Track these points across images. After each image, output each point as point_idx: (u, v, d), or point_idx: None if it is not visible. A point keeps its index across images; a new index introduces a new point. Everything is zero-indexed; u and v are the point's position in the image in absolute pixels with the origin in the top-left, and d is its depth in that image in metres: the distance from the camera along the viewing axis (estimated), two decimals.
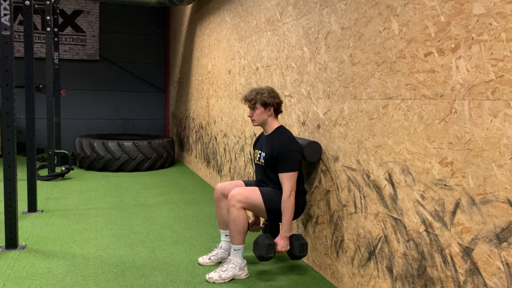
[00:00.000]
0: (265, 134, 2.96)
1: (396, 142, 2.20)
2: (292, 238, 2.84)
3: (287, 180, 2.74)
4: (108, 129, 9.77)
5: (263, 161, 2.91)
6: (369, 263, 2.45)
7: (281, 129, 2.90)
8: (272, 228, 3.02)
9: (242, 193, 2.78)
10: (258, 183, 3.01)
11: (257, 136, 3.24)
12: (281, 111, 2.96)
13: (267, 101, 2.84)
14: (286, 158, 2.75)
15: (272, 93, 2.88)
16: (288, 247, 2.81)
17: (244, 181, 3.09)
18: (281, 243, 2.78)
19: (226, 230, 3.06)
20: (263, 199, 2.79)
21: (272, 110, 2.88)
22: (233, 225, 2.78)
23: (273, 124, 2.91)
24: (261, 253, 2.73)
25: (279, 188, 2.82)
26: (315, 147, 2.91)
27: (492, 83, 1.68)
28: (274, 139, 2.84)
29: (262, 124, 2.93)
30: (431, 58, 1.97)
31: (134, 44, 9.97)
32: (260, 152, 2.97)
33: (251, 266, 3.05)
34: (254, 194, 2.80)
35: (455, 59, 1.84)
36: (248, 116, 2.94)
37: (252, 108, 2.89)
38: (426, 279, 2.03)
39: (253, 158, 3.19)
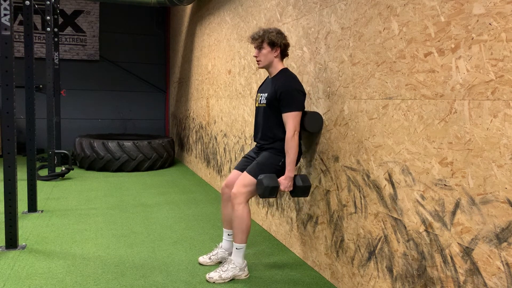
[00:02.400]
0: (270, 77, 2.91)
1: (396, 142, 2.20)
2: (296, 179, 2.81)
3: (291, 120, 2.70)
4: (108, 129, 9.77)
5: (264, 102, 2.85)
6: (369, 263, 2.45)
7: (286, 71, 2.85)
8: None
9: (241, 185, 2.78)
10: (257, 127, 2.96)
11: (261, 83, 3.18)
12: (287, 55, 2.90)
13: (274, 40, 2.78)
14: (289, 97, 2.70)
15: (279, 33, 2.82)
16: (291, 188, 2.79)
17: (236, 168, 3.07)
18: (285, 183, 2.75)
19: (229, 229, 3.06)
20: (255, 177, 2.78)
21: (278, 51, 2.82)
22: (238, 223, 2.77)
23: (278, 66, 2.86)
24: (265, 193, 2.70)
25: (277, 134, 2.79)
26: (317, 117, 2.87)
27: (492, 83, 1.68)
28: (278, 80, 2.79)
29: (268, 66, 2.86)
30: (431, 58, 1.97)
31: (134, 44, 9.97)
32: (262, 94, 2.91)
33: (251, 266, 3.05)
34: (247, 178, 2.81)
35: (455, 59, 1.84)
36: (254, 56, 2.88)
37: (259, 47, 2.82)
38: (426, 279, 2.03)
39: (254, 102, 3.13)
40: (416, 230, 2.09)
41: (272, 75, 2.88)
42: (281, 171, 2.80)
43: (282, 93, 2.71)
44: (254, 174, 2.81)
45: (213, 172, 5.86)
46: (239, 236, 2.80)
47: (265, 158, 2.84)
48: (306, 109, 3.01)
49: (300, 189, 2.81)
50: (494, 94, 1.67)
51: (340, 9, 2.71)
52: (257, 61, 2.86)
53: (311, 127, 2.88)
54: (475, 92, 1.75)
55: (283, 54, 2.88)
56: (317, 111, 3.00)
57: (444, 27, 1.90)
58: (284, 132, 2.78)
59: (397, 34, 2.19)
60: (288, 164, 2.74)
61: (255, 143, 3.04)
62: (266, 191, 2.69)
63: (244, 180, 2.82)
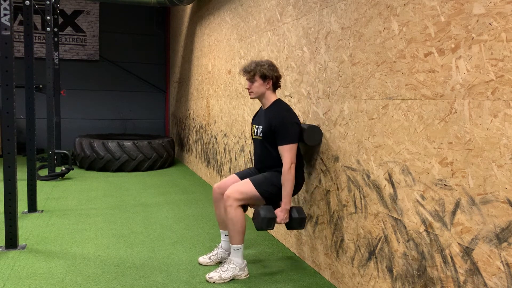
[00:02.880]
0: (263, 108, 2.94)
1: (396, 142, 2.20)
2: (292, 211, 2.83)
3: (287, 152, 2.72)
4: (108, 129, 9.77)
5: (260, 135, 2.88)
6: (369, 263, 2.45)
7: (279, 102, 2.88)
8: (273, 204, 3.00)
9: (237, 190, 2.77)
10: (256, 158, 2.99)
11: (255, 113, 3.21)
12: (279, 86, 2.94)
13: (266, 73, 2.82)
14: (284, 130, 2.72)
15: (271, 66, 2.86)
16: (288, 220, 2.80)
17: (237, 174, 3.08)
18: (281, 215, 2.77)
19: (226, 230, 3.05)
20: (257, 189, 2.78)
21: (270, 83, 2.86)
22: (231, 225, 2.78)
23: (271, 98, 2.89)
24: (262, 225, 2.72)
25: (276, 164, 2.81)
26: (316, 130, 2.89)
27: (492, 83, 1.68)
28: (272, 112, 2.82)
29: (260, 97, 2.90)
30: (431, 58, 1.97)
31: (134, 44, 9.97)
32: (257, 126, 2.94)
33: (251, 266, 3.06)
34: (248, 187, 2.80)
35: (455, 59, 1.84)
36: (246, 88, 2.92)
37: (251, 80, 2.85)
38: (426, 279, 2.03)
39: (250, 133, 3.16)
40: (416, 230, 2.09)
41: (266, 107, 2.91)
42: (280, 194, 2.81)
43: (277, 125, 2.74)
44: (257, 184, 2.80)
45: (213, 172, 5.86)
46: (235, 237, 2.80)
47: (273, 175, 2.85)
48: (305, 123, 3.03)
49: (296, 221, 2.82)
50: (494, 94, 1.67)
51: (340, 9, 2.71)
52: (250, 92, 2.90)
53: (311, 141, 2.90)
54: (475, 92, 1.75)
55: (275, 86, 2.92)
56: (317, 111, 3.00)
57: (444, 27, 1.90)
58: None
59: (397, 34, 2.19)
60: (285, 197, 2.75)
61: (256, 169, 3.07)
62: (264, 222, 2.71)
63: (243, 187, 2.80)
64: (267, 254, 3.37)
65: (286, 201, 2.76)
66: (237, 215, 2.76)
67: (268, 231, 3.89)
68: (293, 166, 2.72)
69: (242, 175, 3.02)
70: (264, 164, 2.93)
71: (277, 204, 2.89)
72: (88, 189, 5.58)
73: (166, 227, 4.00)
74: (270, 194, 2.81)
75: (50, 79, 5.97)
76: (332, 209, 2.83)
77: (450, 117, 1.87)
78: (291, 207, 2.84)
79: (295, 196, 3.34)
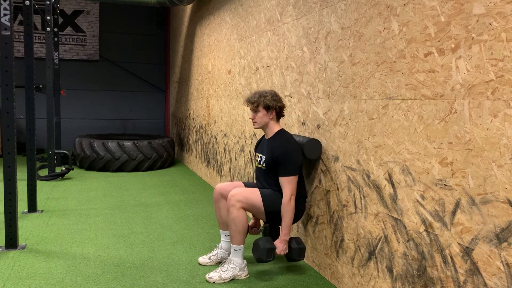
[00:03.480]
0: (266, 137, 2.96)
1: (396, 142, 2.20)
2: (291, 242, 2.85)
3: (287, 184, 2.74)
4: (108, 129, 9.77)
5: (264, 165, 2.91)
6: (369, 263, 2.45)
7: (282, 133, 2.91)
8: (272, 231, 3.02)
9: (242, 193, 2.78)
10: (259, 186, 3.01)
11: (258, 138, 3.24)
12: (283, 115, 2.96)
13: (269, 104, 2.85)
14: (286, 162, 2.75)
15: (275, 96, 2.89)
16: (287, 251, 2.82)
17: (244, 182, 3.10)
18: (280, 246, 2.78)
19: (226, 230, 3.06)
20: (262, 200, 2.79)
21: (274, 113, 2.88)
22: (233, 225, 2.78)
23: (274, 128, 2.91)
24: (261, 256, 2.74)
25: (279, 191, 2.82)
26: (315, 144, 2.91)
27: (492, 83, 1.68)
28: (275, 143, 2.84)
29: (264, 127, 2.93)
30: (431, 58, 1.97)
31: (134, 44, 9.97)
32: (261, 155, 2.97)
33: (251, 266, 3.05)
34: (254, 195, 2.81)
35: (455, 59, 1.84)
36: (250, 119, 2.95)
37: (255, 110, 2.89)
38: (426, 279, 2.03)
39: (254, 162, 3.19)
40: (416, 230, 2.09)
41: (269, 136, 2.93)
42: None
43: (279, 156, 2.76)
44: (264, 196, 2.81)
45: (213, 172, 5.86)
46: (236, 237, 2.81)
47: (278, 195, 2.84)
48: (304, 136, 3.04)
49: (296, 251, 2.82)
50: (494, 94, 1.67)
51: (340, 9, 2.71)
52: (254, 122, 2.92)
53: (311, 155, 2.91)
54: (475, 92, 1.75)
55: (279, 116, 2.93)
56: (317, 111, 3.00)
57: (444, 27, 1.90)
58: None
59: (397, 34, 2.18)
60: (284, 228, 2.76)
61: None
62: (263, 253, 2.72)
63: (250, 194, 2.81)
64: None
65: (286, 232, 2.77)
66: (239, 215, 2.76)
67: None
68: (293, 197, 2.74)
69: (248, 185, 3.05)
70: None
71: (276, 226, 2.92)
72: (88, 189, 5.58)
73: (166, 227, 4.00)
74: (272, 211, 2.82)
75: (50, 79, 5.96)
76: (332, 209, 2.83)
77: (450, 117, 1.87)
78: (290, 238, 2.85)
79: None
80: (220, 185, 3.07)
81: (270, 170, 2.87)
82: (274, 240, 2.81)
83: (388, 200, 2.27)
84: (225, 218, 2.98)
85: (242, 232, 2.80)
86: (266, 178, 2.92)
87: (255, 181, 3.16)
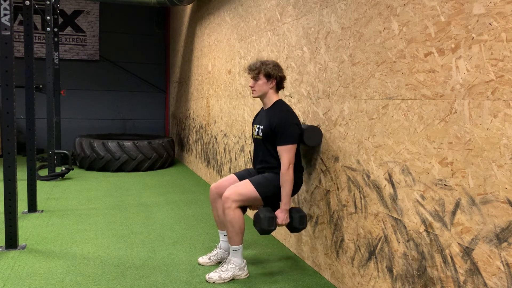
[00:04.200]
0: (264, 108, 2.94)
1: (396, 142, 2.20)
2: (291, 211, 2.83)
3: (286, 153, 2.72)
4: (108, 129, 9.77)
5: (261, 135, 2.88)
6: (369, 263, 2.45)
7: (280, 103, 2.88)
8: (272, 204, 3.00)
9: (236, 191, 2.77)
10: (255, 158, 2.99)
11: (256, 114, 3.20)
12: (283, 87, 2.93)
13: (270, 72, 2.82)
14: (284, 130, 2.72)
15: (276, 66, 2.86)
16: (288, 220, 2.79)
17: (236, 174, 3.07)
18: (281, 216, 2.76)
19: (224, 230, 3.05)
20: (257, 190, 2.78)
21: (274, 83, 2.86)
22: (230, 227, 2.77)
23: (273, 98, 2.89)
24: (263, 226, 2.71)
25: (276, 165, 2.80)
26: (315, 131, 2.89)
27: (492, 83, 1.68)
28: (273, 112, 2.82)
29: (262, 97, 2.90)
30: (431, 58, 1.97)
31: (134, 44, 9.97)
32: (258, 126, 2.94)
33: (251, 266, 3.06)
34: (247, 188, 2.79)
35: (455, 59, 1.84)
36: (250, 86, 2.92)
37: (255, 78, 2.86)
38: (426, 279, 2.03)
39: (251, 133, 3.17)
40: (416, 230, 2.09)
41: (267, 107, 2.91)
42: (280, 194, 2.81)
43: (278, 125, 2.74)
44: (256, 185, 2.80)
45: (213, 172, 5.86)
46: (234, 238, 2.80)
47: (272, 177, 2.84)
48: (304, 123, 3.04)
49: (296, 220, 2.81)
50: (494, 94, 1.67)
51: (340, 9, 2.71)
52: (252, 91, 2.90)
53: (311, 142, 2.90)
54: (475, 92, 1.75)
55: (279, 86, 2.91)
56: (317, 111, 3.00)
57: (444, 27, 1.90)
58: None
59: (397, 34, 2.18)
60: (284, 197, 2.75)
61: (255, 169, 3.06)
62: (264, 222, 2.70)
63: (242, 189, 2.79)
64: (267, 254, 3.37)
65: (286, 202, 2.75)
66: (235, 216, 2.75)
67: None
68: (291, 167, 2.72)
69: (240, 176, 3.02)
70: (264, 164, 2.92)
71: (276, 206, 2.89)
72: (88, 189, 5.58)
73: (166, 227, 4.00)
74: (269, 195, 2.81)
75: (50, 79, 5.97)
76: (332, 209, 2.83)
77: (450, 117, 1.87)
78: (291, 208, 2.84)
79: (295, 197, 3.34)
80: (215, 185, 3.05)
81: (268, 139, 2.84)
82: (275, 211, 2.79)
83: (388, 200, 2.27)
84: (222, 218, 2.98)
85: (239, 232, 2.79)
86: (263, 149, 2.89)
87: (252, 155, 3.09)
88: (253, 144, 3.05)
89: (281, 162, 2.75)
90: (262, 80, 2.84)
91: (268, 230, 2.75)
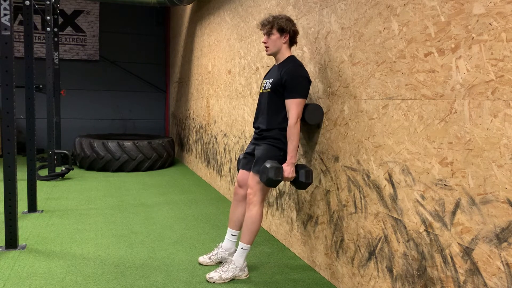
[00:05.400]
0: (277, 63, 2.90)
1: (396, 142, 2.20)
2: (297, 166, 2.82)
3: (295, 107, 2.69)
4: (108, 129, 9.77)
5: (269, 87, 2.84)
6: (369, 263, 2.45)
7: (293, 58, 2.85)
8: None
9: (253, 183, 2.79)
10: (257, 115, 2.96)
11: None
12: (296, 42, 2.90)
13: (284, 26, 2.78)
14: (295, 83, 2.69)
15: (289, 20, 2.82)
16: (294, 174, 2.78)
17: (242, 169, 3.05)
18: (288, 169, 2.74)
19: (234, 229, 3.06)
20: (260, 179, 2.77)
21: (287, 37, 2.82)
22: (250, 223, 2.78)
23: (286, 53, 2.85)
24: (269, 175, 2.67)
25: (277, 121, 2.78)
26: (317, 108, 2.87)
27: (492, 83, 1.68)
28: (285, 66, 2.78)
29: (275, 53, 2.86)
30: (431, 58, 1.97)
31: (134, 44, 9.97)
32: (267, 80, 2.91)
33: (251, 266, 3.06)
34: (255, 180, 2.80)
35: (455, 59, 1.84)
36: (263, 42, 2.87)
37: (268, 33, 2.82)
38: (426, 279, 2.03)
39: (259, 90, 3.12)
40: (416, 230, 2.09)
41: (279, 62, 2.87)
42: (282, 161, 2.79)
43: (288, 79, 2.70)
44: (260, 174, 2.79)
45: (213, 172, 5.86)
46: (248, 236, 2.80)
47: (264, 151, 2.82)
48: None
49: (302, 174, 2.79)
50: (494, 94, 1.67)
51: (340, 9, 2.71)
52: (266, 47, 2.85)
53: (312, 119, 2.87)
54: (475, 92, 1.75)
55: (292, 42, 2.87)
56: None
57: (444, 27, 1.90)
58: (284, 120, 2.78)
59: (397, 34, 2.18)
60: (291, 151, 2.72)
61: (254, 128, 3.02)
62: (271, 171, 2.66)
63: (255, 180, 2.81)
64: (267, 254, 3.37)
65: (292, 155, 2.72)
66: (258, 215, 2.78)
67: (269, 231, 3.89)
68: (299, 120, 2.70)
69: (244, 167, 3.01)
70: (261, 119, 2.89)
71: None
72: (88, 189, 5.58)
73: (166, 227, 4.00)
74: (274, 164, 2.79)
75: (50, 79, 5.96)
76: (332, 209, 2.83)
77: (450, 117, 1.87)
78: (297, 164, 2.82)
79: (295, 195, 3.34)
80: (237, 183, 3.04)
81: (276, 93, 2.79)
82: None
83: (388, 200, 2.27)
84: (239, 215, 2.98)
85: (255, 232, 2.81)
86: (268, 103, 2.84)
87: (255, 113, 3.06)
88: (258, 99, 2.99)
89: (289, 115, 2.72)
90: (275, 35, 2.80)
91: (275, 180, 2.69)
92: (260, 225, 2.83)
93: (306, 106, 2.83)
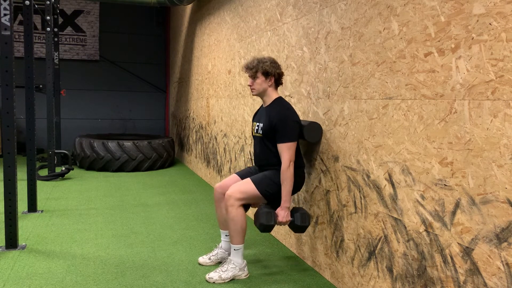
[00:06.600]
0: (264, 105, 2.93)
1: (396, 142, 2.20)
2: (292, 210, 2.82)
3: (286, 151, 2.71)
4: (108, 129, 9.77)
5: (261, 132, 2.87)
6: (369, 263, 2.45)
7: (280, 100, 2.88)
8: (274, 203, 2.98)
9: (238, 189, 2.77)
10: (255, 156, 2.98)
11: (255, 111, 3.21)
12: (281, 83, 2.93)
13: (268, 70, 2.81)
14: (284, 128, 2.72)
15: (274, 63, 2.86)
16: (289, 218, 2.78)
17: (237, 173, 3.08)
18: (282, 213, 2.75)
19: (226, 230, 3.05)
20: (257, 188, 2.78)
21: (273, 80, 2.85)
22: (232, 225, 2.78)
23: (273, 95, 2.88)
24: (261, 221, 2.70)
25: (276, 162, 2.80)
26: (316, 127, 2.89)
27: (492, 83, 1.68)
28: (273, 110, 2.81)
29: (261, 94, 2.89)
30: (431, 58, 1.97)
31: (134, 44, 9.97)
32: (258, 123, 2.94)
33: (251, 266, 3.06)
34: (249, 186, 2.79)
35: (455, 59, 1.84)
36: (248, 85, 2.91)
37: (253, 77, 2.85)
38: (426, 279, 2.03)
39: (251, 131, 3.16)
40: (416, 230, 2.09)
41: (267, 104, 2.90)
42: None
43: (278, 122, 2.74)
44: (257, 183, 2.80)
45: (213, 172, 5.86)
46: (236, 237, 2.80)
47: (273, 174, 2.84)
48: (305, 120, 3.03)
49: (298, 216, 2.80)
50: (494, 94, 1.67)
51: (340, 9, 2.71)
52: (252, 89, 2.89)
53: (311, 138, 2.90)
54: (475, 92, 1.75)
55: (277, 83, 2.91)
56: (317, 111, 3.00)
57: (444, 27, 1.90)
58: None
59: (397, 34, 2.18)
60: (284, 195, 2.74)
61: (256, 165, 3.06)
62: (263, 216, 2.70)
63: (244, 187, 2.80)
64: (267, 254, 3.37)
65: (286, 199, 2.75)
66: (238, 215, 2.76)
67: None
68: (292, 164, 2.72)
69: (242, 175, 3.02)
70: (264, 162, 2.92)
71: (278, 204, 2.88)
72: (88, 189, 5.58)
73: (166, 227, 4.00)
74: (271, 193, 2.81)
75: (50, 79, 5.97)
76: (332, 209, 2.83)
77: (450, 117, 1.87)
78: (293, 207, 2.84)
79: (295, 196, 3.34)
80: (219, 184, 3.06)
81: (267, 137, 2.83)
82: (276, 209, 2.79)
83: (388, 200, 2.27)
84: (225, 217, 2.98)
85: (241, 231, 2.79)
86: (262, 147, 2.89)
87: (252, 153, 3.11)
88: (253, 141, 3.05)
89: (281, 159, 2.74)
90: (260, 79, 2.83)
91: (267, 225, 2.72)
92: (244, 223, 2.80)
93: (305, 126, 2.86)
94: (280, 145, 2.74)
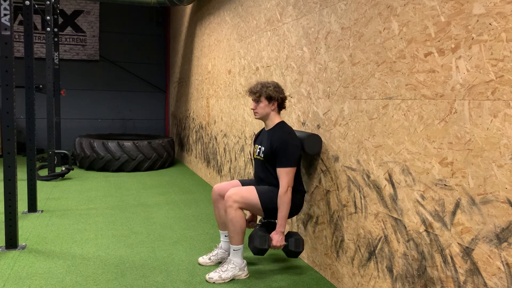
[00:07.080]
0: (266, 129, 2.95)
1: (396, 142, 2.20)
2: (287, 234, 2.84)
3: (285, 175, 2.73)
4: (108, 129, 9.77)
5: (262, 156, 2.89)
6: (369, 263, 2.45)
7: (282, 125, 2.89)
8: (269, 226, 3.01)
9: (239, 193, 2.78)
10: (257, 178, 3.00)
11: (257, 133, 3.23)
12: (284, 107, 2.95)
13: (272, 95, 2.83)
14: (284, 153, 2.74)
15: (277, 88, 2.88)
16: (283, 242, 2.79)
17: (240, 180, 3.09)
18: (276, 237, 2.76)
19: (225, 230, 3.05)
20: (259, 198, 2.78)
21: (276, 104, 2.87)
22: (231, 226, 2.78)
23: (275, 119, 2.90)
24: (255, 244, 2.71)
25: (277, 185, 2.81)
26: (316, 139, 2.90)
27: (492, 83, 1.68)
28: (275, 134, 2.83)
29: (264, 118, 2.91)
30: (431, 58, 1.97)
31: (134, 44, 9.97)
32: (260, 146, 2.96)
33: (251, 267, 3.06)
34: (251, 193, 2.80)
35: (455, 59, 1.84)
36: (251, 109, 2.94)
37: (257, 101, 2.87)
38: (426, 279, 2.03)
39: (252, 153, 3.18)
40: (416, 230, 2.09)
41: (269, 128, 2.92)
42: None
43: (278, 147, 2.75)
44: (261, 193, 2.80)
45: (213, 172, 5.86)
46: (235, 238, 2.80)
47: (276, 189, 2.83)
48: (305, 131, 3.04)
49: (292, 242, 2.80)
50: (494, 94, 1.67)
51: (340, 9, 2.71)
52: (255, 113, 2.91)
53: (311, 150, 2.91)
54: (475, 92, 1.75)
55: (280, 107, 2.92)
56: (317, 111, 3.00)
57: (444, 27, 1.90)
58: None
59: (397, 34, 2.18)
60: (280, 220, 2.75)
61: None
62: (257, 239, 2.71)
63: (246, 193, 2.80)
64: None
65: (281, 224, 2.75)
66: (237, 216, 2.76)
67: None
68: (290, 189, 2.73)
69: (245, 183, 3.03)
70: (266, 184, 2.93)
71: (273, 222, 2.91)
72: (88, 189, 5.58)
73: (166, 227, 4.00)
74: (270, 208, 2.81)
75: (50, 79, 5.97)
76: (332, 209, 2.83)
77: (450, 117, 1.87)
78: (288, 232, 2.85)
79: None
80: (218, 186, 3.07)
81: (268, 161, 2.85)
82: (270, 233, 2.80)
83: (388, 200, 2.27)
84: (224, 218, 2.98)
85: (240, 232, 2.80)
86: (263, 170, 2.91)
87: (253, 175, 3.15)
88: (254, 163, 3.06)
89: (279, 183, 2.75)
90: (263, 103, 2.85)
91: (261, 249, 2.73)
92: (243, 223, 2.80)
93: (305, 138, 2.87)
94: (279, 169, 2.75)
